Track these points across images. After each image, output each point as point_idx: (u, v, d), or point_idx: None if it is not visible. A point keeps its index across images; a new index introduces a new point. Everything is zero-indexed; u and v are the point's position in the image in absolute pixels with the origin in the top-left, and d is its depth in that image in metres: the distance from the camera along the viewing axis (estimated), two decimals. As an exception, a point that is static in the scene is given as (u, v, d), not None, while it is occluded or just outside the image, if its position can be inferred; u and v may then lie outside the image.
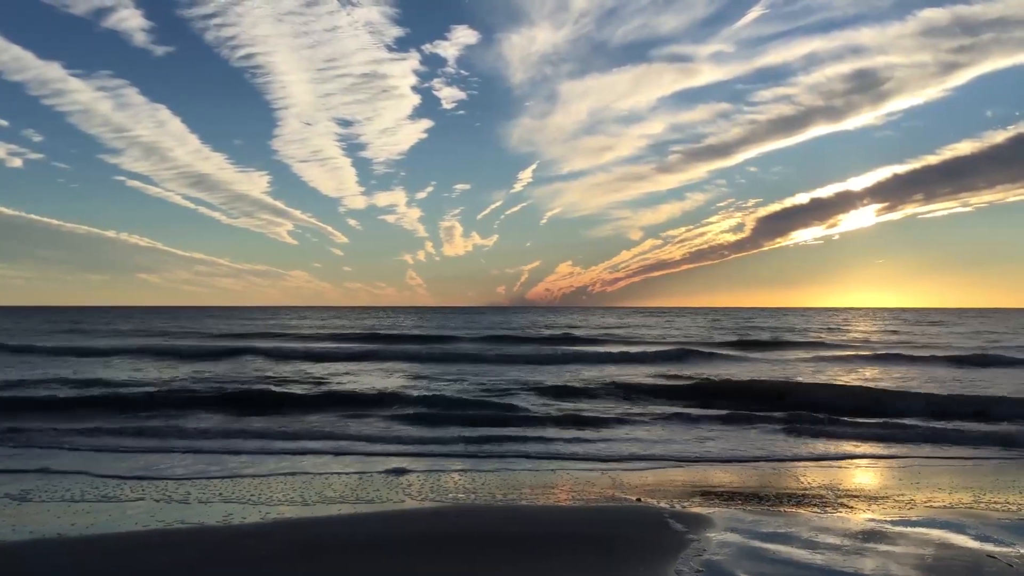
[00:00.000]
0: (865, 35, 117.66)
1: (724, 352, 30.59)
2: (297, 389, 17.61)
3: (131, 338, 41.41)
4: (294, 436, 11.79)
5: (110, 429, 12.19)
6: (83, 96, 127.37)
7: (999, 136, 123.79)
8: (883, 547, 5.97)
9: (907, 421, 13.09)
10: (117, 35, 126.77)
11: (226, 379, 19.99)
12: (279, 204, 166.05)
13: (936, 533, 6.38)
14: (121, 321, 72.41)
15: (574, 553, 5.83)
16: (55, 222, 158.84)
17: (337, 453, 10.44)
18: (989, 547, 5.96)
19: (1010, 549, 5.90)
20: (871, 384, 18.89)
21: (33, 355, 28.44)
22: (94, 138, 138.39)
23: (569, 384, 18.67)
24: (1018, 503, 7.57)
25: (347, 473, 9.07)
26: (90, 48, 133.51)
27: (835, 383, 19.05)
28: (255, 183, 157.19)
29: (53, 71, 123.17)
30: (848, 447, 11.10)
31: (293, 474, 8.97)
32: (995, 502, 7.60)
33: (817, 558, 5.66)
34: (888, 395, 16.30)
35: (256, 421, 13.31)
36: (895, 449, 10.97)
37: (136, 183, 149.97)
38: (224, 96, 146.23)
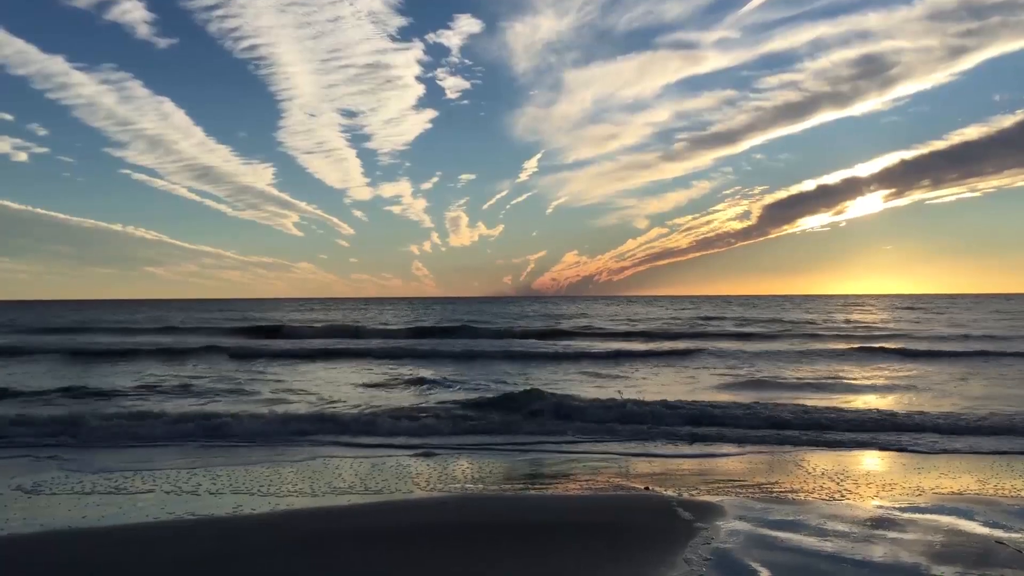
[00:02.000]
0: (871, 20, 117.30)
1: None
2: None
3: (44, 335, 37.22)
4: None
5: None
6: (87, 89, 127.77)
7: (1007, 120, 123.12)
8: (892, 533, 5.97)
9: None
10: (120, 28, 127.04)
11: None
12: (284, 196, 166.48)
13: (945, 520, 6.38)
14: (78, 315, 69.88)
15: (582, 541, 5.84)
16: (61, 216, 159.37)
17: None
18: (998, 533, 5.96)
19: (1019, 535, 5.89)
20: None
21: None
22: (99, 131, 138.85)
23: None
24: (1027, 489, 7.57)
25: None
26: (93, 41, 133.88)
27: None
28: (260, 175, 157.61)
29: (57, 65, 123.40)
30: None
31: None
32: (1003, 488, 7.60)
33: (826, 545, 5.66)
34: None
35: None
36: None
37: (142, 176, 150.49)
38: (228, 88, 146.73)
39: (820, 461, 9.20)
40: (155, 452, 10.00)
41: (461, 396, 14.99)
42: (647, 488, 7.73)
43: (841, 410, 12.51)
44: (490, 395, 14.50)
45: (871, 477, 8.29)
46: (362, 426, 11.59)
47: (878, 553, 5.45)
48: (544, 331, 39.37)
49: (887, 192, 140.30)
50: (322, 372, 20.84)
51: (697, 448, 10.15)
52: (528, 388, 14.42)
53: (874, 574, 5.06)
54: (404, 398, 15.26)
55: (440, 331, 39.66)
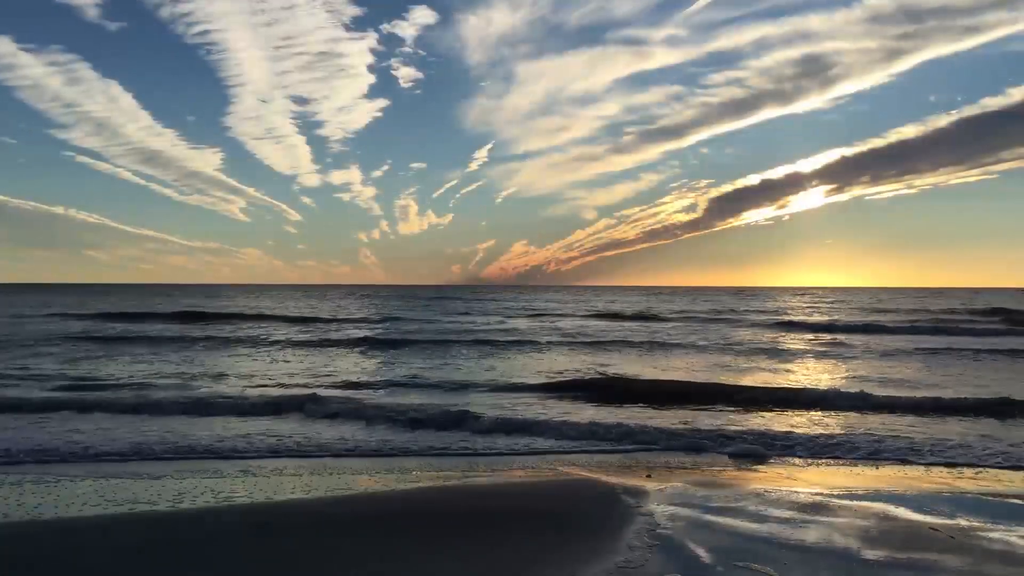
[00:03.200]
0: (813, 21, 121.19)
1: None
2: None
3: None
4: None
5: None
6: (33, 71, 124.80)
7: (943, 120, 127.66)
8: (828, 519, 6.10)
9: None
10: (70, 10, 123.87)
11: None
12: (232, 181, 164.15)
13: (879, 506, 6.54)
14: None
15: (529, 528, 5.84)
16: (1, 197, 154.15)
17: None
18: (931, 520, 6.12)
19: (951, 522, 6.06)
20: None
21: None
22: (43, 113, 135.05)
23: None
24: (961, 479, 7.80)
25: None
26: (42, 23, 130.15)
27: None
28: (208, 160, 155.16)
29: (3, 45, 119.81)
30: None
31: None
32: (939, 478, 7.83)
33: (764, 529, 5.76)
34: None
35: None
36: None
37: (86, 159, 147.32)
38: (177, 73, 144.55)
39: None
40: None
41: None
42: (593, 476, 7.77)
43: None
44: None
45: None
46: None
47: (812, 537, 5.57)
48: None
49: (828, 187, 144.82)
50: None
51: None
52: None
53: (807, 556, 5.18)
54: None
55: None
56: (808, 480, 7.74)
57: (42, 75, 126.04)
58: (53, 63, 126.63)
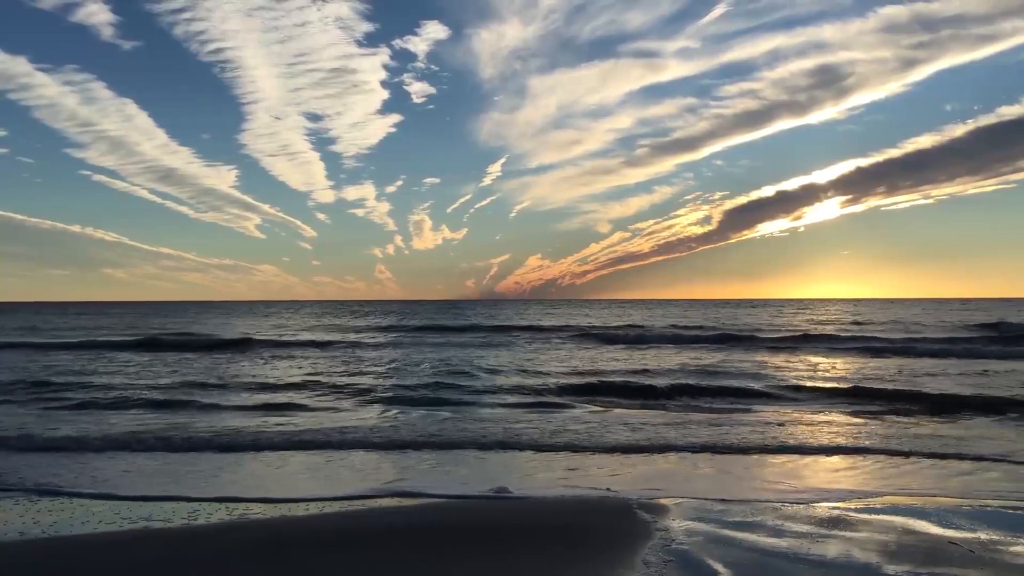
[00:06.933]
0: (827, 31, 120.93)
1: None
2: None
3: None
4: None
5: None
6: (49, 90, 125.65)
7: (959, 130, 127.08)
8: (847, 533, 6.02)
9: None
10: (85, 29, 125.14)
11: None
12: (247, 198, 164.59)
13: (899, 520, 6.45)
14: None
15: (543, 545, 5.80)
16: (18, 216, 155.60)
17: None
18: (951, 533, 6.04)
19: (972, 535, 5.97)
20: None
21: None
22: (60, 132, 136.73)
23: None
24: (979, 491, 7.69)
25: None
26: (57, 42, 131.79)
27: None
28: (223, 177, 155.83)
29: (19, 65, 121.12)
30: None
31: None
32: (957, 490, 7.71)
33: (783, 544, 5.69)
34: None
35: None
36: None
37: (102, 177, 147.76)
38: (192, 91, 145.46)
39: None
40: None
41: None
42: (608, 489, 7.71)
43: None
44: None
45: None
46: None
47: (832, 552, 5.50)
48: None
49: (844, 198, 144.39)
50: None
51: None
52: None
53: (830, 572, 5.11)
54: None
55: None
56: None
57: (58, 94, 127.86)
58: (69, 82, 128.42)
